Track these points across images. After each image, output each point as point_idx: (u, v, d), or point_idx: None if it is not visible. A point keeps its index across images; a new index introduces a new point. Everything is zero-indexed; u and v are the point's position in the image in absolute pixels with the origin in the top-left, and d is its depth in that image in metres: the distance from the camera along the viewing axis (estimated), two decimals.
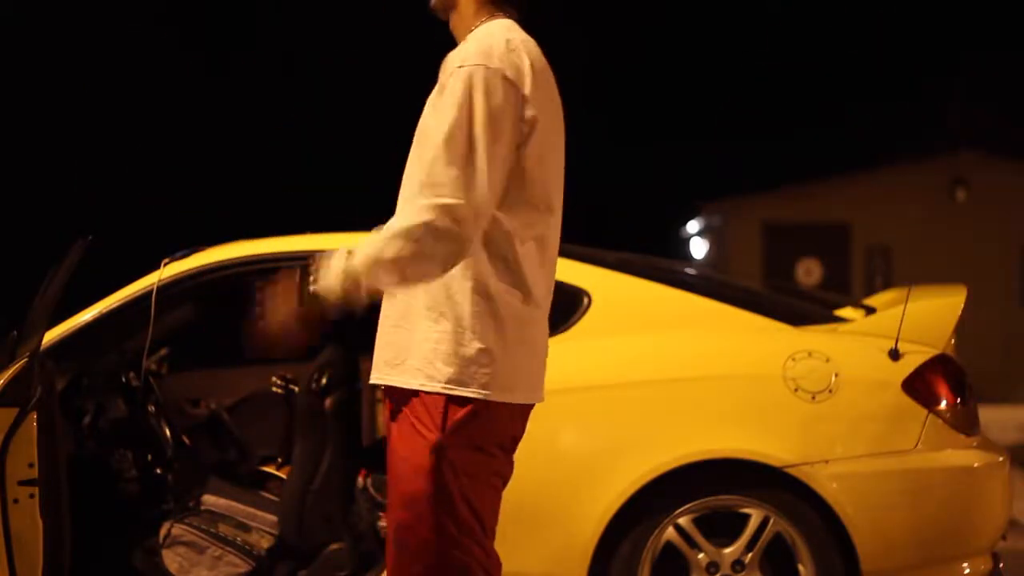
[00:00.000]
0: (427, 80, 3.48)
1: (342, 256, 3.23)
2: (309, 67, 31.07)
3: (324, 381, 5.19)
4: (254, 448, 5.70)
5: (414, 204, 3.16)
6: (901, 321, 4.82)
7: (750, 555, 4.72)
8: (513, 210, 3.31)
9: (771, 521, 4.71)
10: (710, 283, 5.77)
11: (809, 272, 20.70)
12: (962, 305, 4.97)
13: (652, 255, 6.00)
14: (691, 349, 4.97)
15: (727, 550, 4.73)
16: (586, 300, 4.99)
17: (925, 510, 4.75)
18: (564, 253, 5.22)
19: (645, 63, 32.76)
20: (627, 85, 32.69)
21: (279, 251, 5.23)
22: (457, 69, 3.29)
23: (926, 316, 4.91)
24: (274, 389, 5.86)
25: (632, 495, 4.68)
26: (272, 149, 29.11)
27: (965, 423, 4.82)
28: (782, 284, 16.79)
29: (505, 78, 3.28)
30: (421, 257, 3.16)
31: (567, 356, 4.93)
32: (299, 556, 5.10)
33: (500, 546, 4.72)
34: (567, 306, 4.99)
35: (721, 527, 4.74)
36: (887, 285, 17.86)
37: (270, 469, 5.62)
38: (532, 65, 3.36)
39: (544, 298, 3.46)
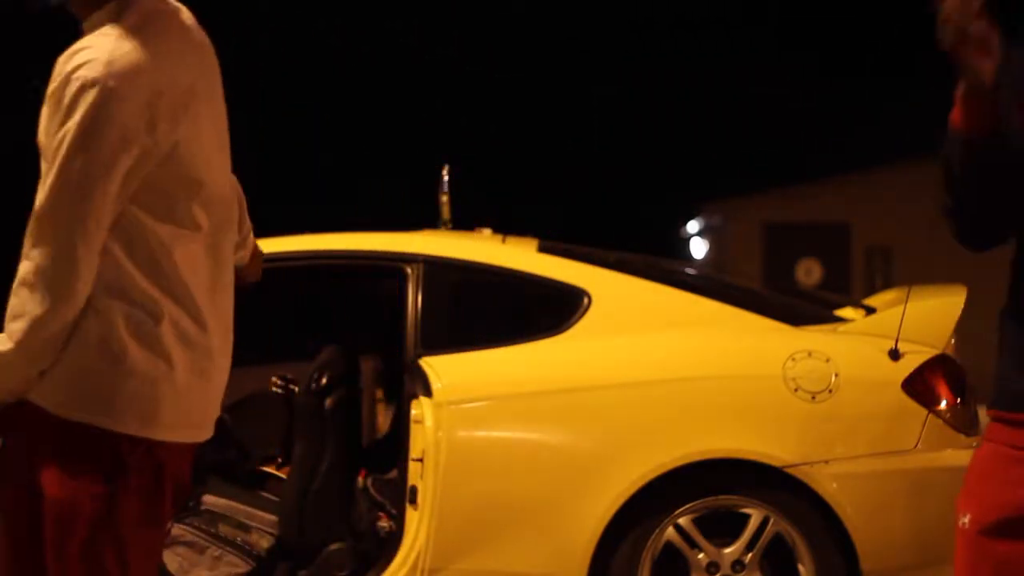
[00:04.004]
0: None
1: None
2: (306, 65, 31.06)
3: (324, 381, 5.19)
4: (254, 448, 5.69)
5: None
6: (901, 321, 4.82)
7: (750, 555, 4.72)
8: None
9: (771, 521, 4.71)
10: (710, 283, 5.77)
11: (809, 272, 20.71)
12: (962, 305, 4.97)
13: (652, 255, 6.00)
14: (691, 349, 4.97)
15: (727, 550, 4.73)
16: (586, 300, 4.99)
17: (925, 510, 4.74)
18: (564, 253, 5.26)
19: (646, 63, 32.74)
20: (627, 85, 32.68)
21: (279, 251, 5.23)
22: None
23: (926, 316, 4.91)
24: (274, 389, 5.85)
25: (632, 495, 4.68)
26: (270, 149, 29.09)
27: (965, 423, 4.82)
28: (782, 284, 16.80)
29: None
30: None
31: (567, 356, 4.93)
32: (299, 556, 5.09)
33: (500, 546, 4.73)
34: (567, 306, 4.99)
35: (721, 527, 4.74)
36: (887, 285, 17.84)
37: (270, 469, 5.62)
38: None
39: None
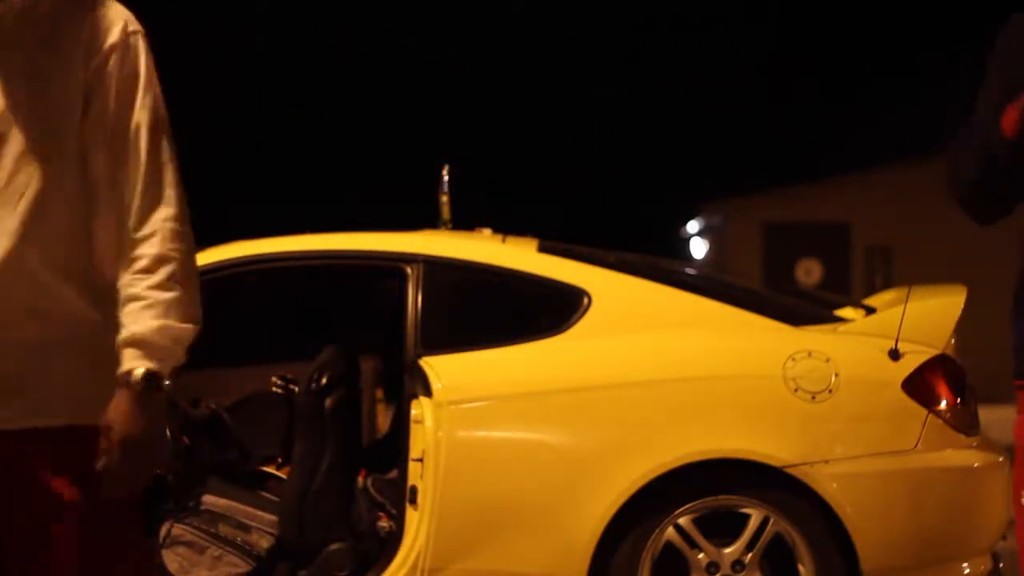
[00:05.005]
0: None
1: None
2: (306, 65, 31.07)
3: (324, 381, 5.20)
4: (254, 448, 5.70)
5: None
6: (901, 321, 4.82)
7: (750, 555, 4.72)
8: None
9: (771, 521, 4.71)
10: (710, 283, 5.77)
11: (809, 272, 20.70)
12: (962, 305, 4.97)
13: (652, 255, 6.00)
14: (691, 349, 4.97)
15: (727, 550, 4.73)
16: (586, 300, 4.99)
17: (925, 510, 4.75)
18: (564, 253, 5.26)
19: (646, 63, 32.74)
20: (627, 85, 32.68)
21: (279, 251, 5.23)
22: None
23: (926, 316, 4.91)
24: (274, 389, 5.85)
25: (632, 495, 4.68)
26: (270, 149, 29.09)
27: (965, 423, 4.82)
28: (782, 284, 16.79)
29: None
30: None
31: (567, 356, 4.93)
32: (299, 556, 5.09)
33: (500, 546, 4.74)
34: (567, 306, 4.99)
35: (721, 527, 4.74)
36: (887, 285, 17.84)
37: (270, 469, 5.62)
38: None
39: None
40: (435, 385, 4.75)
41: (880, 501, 4.71)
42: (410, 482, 4.74)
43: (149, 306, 2.49)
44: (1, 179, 2.52)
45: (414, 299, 5.00)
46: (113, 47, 2.56)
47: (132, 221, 2.54)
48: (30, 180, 2.53)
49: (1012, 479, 2.94)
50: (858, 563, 4.67)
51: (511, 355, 4.92)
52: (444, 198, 5.83)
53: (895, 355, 4.78)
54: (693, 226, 24.85)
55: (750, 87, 31.65)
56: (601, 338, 4.94)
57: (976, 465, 4.79)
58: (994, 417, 5.59)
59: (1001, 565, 4.89)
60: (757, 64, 31.74)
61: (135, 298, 2.50)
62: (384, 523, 5.07)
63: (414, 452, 4.73)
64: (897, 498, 4.73)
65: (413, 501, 4.72)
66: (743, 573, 4.72)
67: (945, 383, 4.79)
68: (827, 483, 4.68)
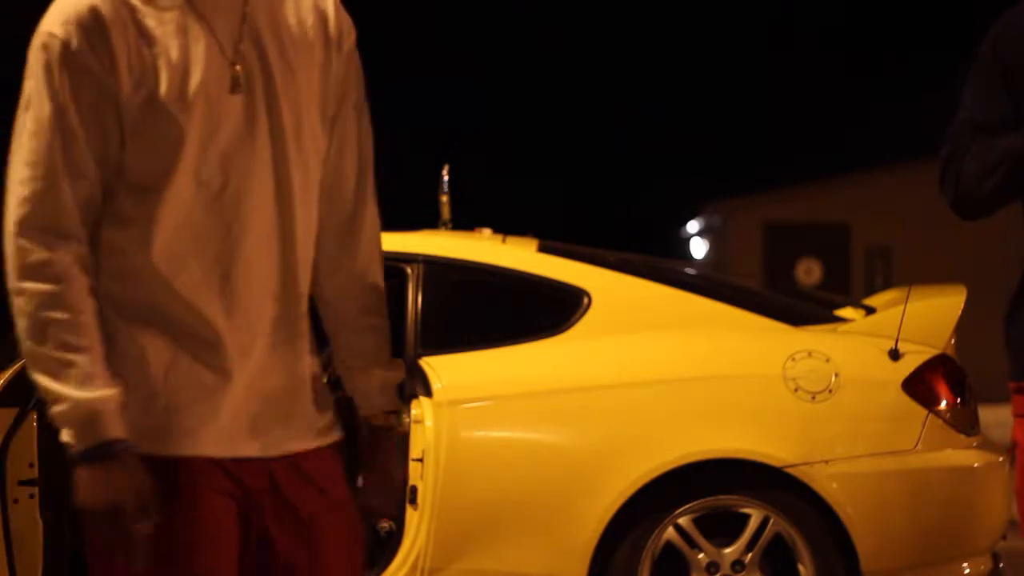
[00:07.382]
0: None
1: None
2: None
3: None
4: None
5: None
6: (901, 321, 4.82)
7: (750, 555, 4.72)
8: None
9: (771, 521, 4.71)
10: (710, 283, 5.77)
11: (809, 272, 20.71)
12: (962, 305, 4.97)
13: (652, 255, 6.00)
14: (691, 349, 4.97)
15: (727, 550, 4.73)
16: (586, 300, 5.00)
17: (925, 510, 4.75)
18: (564, 253, 5.26)
19: (646, 64, 32.76)
20: (627, 85, 32.69)
21: None
22: None
23: (926, 316, 4.92)
24: None
25: (632, 495, 4.68)
26: None
27: (965, 423, 4.82)
28: (782, 284, 16.80)
29: None
30: None
31: (567, 356, 4.94)
32: None
33: (500, 546, 4.74)
34: (567, 306, 5.00)
35: (721, 527, 4.74)
36: (887, 285, 17.84)
37: None
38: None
39: None
40: (435, 385, 4.75)
41: (880, 501, 4.72)
42: (410, 482, 4.74)
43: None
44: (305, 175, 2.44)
45: (414, 299, 5.00)
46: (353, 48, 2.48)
47: None
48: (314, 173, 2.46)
49: (1015, 477, 2.95)
50: (858, 563, 4.67)
51: (511, 355, 4.93)
52: (444, 198, 5.83)
53: (895, 355, 4.78)
54: (693, 226, 24.86)
55: (750, 87, 31.66)
56: (601, 338, 4.94)
57: (976, 465, 4.79)
58: (994, 417, 5.59)
59: (1001, 565, 4.89)
60: (757, 64, 31.76)
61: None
62: (384, 523, 5.07)
63: (414, 452, 4.73)
64: (897, 498, 4.73)
65: (413, 501, 4.72)
66: (743, 573, 4.72)
67: (945, 383, 4.80)
68: (827, 483, 4.68)
